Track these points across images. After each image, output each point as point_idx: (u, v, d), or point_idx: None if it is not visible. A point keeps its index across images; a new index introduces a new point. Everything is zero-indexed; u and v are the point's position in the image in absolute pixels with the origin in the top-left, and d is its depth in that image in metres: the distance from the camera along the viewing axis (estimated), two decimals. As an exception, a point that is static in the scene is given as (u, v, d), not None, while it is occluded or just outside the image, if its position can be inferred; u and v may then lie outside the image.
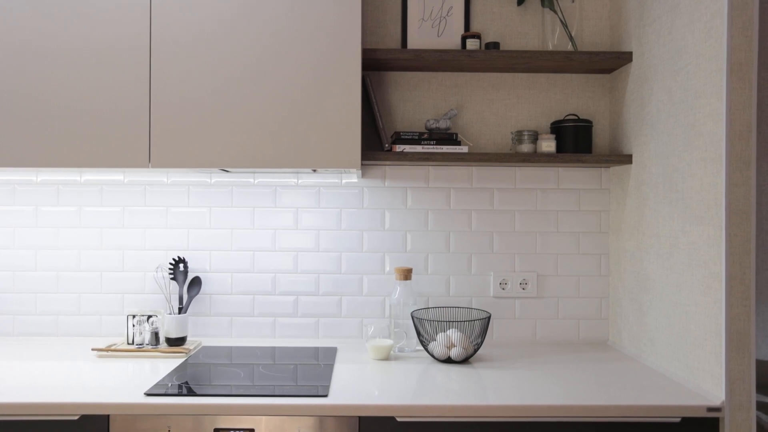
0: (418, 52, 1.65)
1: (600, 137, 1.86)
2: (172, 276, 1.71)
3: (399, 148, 1.64)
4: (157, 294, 1.79)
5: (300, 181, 1.80)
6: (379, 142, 1.75)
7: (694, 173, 1.34)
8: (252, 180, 1.80)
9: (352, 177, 1.80)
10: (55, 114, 1.43)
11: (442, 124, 1.70)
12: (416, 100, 1.84)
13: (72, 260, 1.78)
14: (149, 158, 1.43)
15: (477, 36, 1.73)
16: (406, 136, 1.66)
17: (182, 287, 1.70)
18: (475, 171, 1.83)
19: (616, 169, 1.80)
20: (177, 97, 1.45)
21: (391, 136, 1.70)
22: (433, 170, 1.83)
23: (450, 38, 1.81)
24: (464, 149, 1.65)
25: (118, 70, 1.44)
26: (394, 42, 1.85)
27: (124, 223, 1.79)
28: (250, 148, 1.45)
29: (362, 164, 1.71)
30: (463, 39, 1.73)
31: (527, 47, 1.85)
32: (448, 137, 1.66)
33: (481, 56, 1.67)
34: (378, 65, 1.76)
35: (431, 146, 1.65)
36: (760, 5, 1.27)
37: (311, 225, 1.81)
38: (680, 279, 1.40)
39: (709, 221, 1.27)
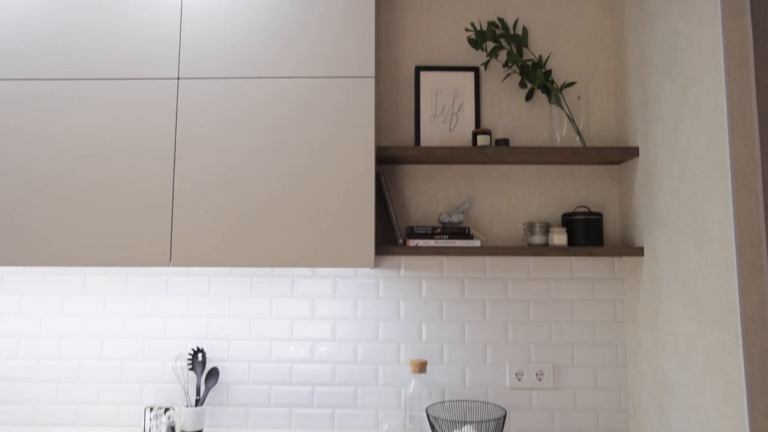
0: (431, 149, 1.72)
1: (611, 227, 1.87)
2: (190, 367, 1.72)
3: (413, 242, 1.67)
4: (175, 384, 1.80)
5: (317, 271, 1.83)
6: (393, 236, 1.78)
7: (706, 276, 1.34)
8: (270, 270, 1.84)
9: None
10: (81, 212, 1.51)
11: (455, 218, 1.74)
12: (430, 192, 1.89)
13: (94, 349, 1.81)
14: (170, 257, 1.49)
15: (487, 132, 1.79)
16: (420, 231, 1.69)
17: (200, 378, 1.71)
18: (489, 261, 1.85)
19: (629, 259, 1.80)
20: (198, 198, 1.51)
21: (405, 230, 1.74)
22: (447, 261, 1.85)
23: (461, 133, 1.88)
24: (477, 243, 1.67)
25: (143, 171, 1.52)
26: (408, 137, 1.92)
27: (146, 312, 1.82)
28: (266, 247, 1.49)
29: (377, 258, 1.74)
30: (474, 135, 1.80)
31: (536, 140, 1.90)
32: (461, 231, 1.69)
33: (491, 152, 1.72)
34: (392, 160, 1.82)
35: (444, 240, 1.68)
36: (760, 115, 1.31)
37: (327, 314, 1.82)
38: (699, 382, 1.37)
39: (725, 327, 1.26)
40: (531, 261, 1.85)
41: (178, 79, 1.54)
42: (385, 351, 1.81)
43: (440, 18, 1.95)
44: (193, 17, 1.56)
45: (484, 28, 1.88)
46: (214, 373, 1.75)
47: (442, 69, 1.90)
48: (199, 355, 1.74)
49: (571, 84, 1.83)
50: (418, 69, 1.91)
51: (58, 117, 1.53)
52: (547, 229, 1.76)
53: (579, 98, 1.86)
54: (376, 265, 1.83)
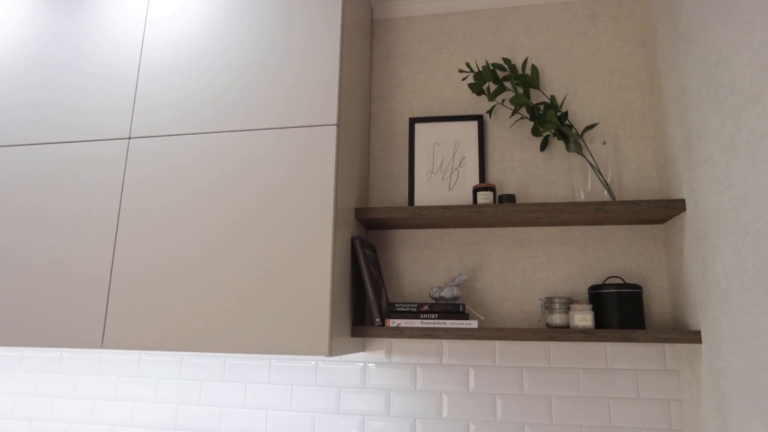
0: (419, 210, 1.44)
1: (657, 303, 1.44)
2: (148, 463, 1.49)
3: (393, 322, 1.37)
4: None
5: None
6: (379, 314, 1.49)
7: (784, 383, 0.91)
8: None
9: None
10: (15, 288, 1.39)
11: (447, 293, 1.41)
12: (426, 261, 1.59)
13: (63, 435, 1.65)
14: (102, 339, 1.30)
15: (490, 188, 1.49)
16: (402, 309, 1.38)
17: (158, 477, 1.47)
18: (499, 345, 1.48)
19: (685, 345, 1.35)
20: (136, 277, 1.33)
21: (388, 307, 1.45)
22: (447, 344, 1.51)
23: (463, 191, 1.59)
24: (473, 324, 1.33)
25: (81, 247, 1.38)
26: (401, 197, 1.66)
27: (116, 395, 1.65)
28: (207, 330, 1.25)
29: (355, 341, 1.45)
30: (475, 192, 1.50)
31: (555, 197, 1.56)
32: (453, 309, 1.36)
33: (491, 211, 1.41)
34: (379, 224, 1.56)
35: (432, 321, 1.36)
36: None
37: (307, 406, 1.52)
38: None
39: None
40: (552, 345, 1.46)
41: (129, 138, 1.43)
42: (371, 455, 1.47)
43: (440, 66, 1.73)
44: (149, 72, 1.47)
45: (488, 71, 1.62)
46: (173, 473, 1.51)
47: (440, 119, 1.65)
48: (161, 449, 1.51)
49: (592, 126, 1.50)
50: (413, 121, 1.67)
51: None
52: (569, 305, 1.38)
53: (605, 143, 1.52)
54: (364, 347, 1.54)
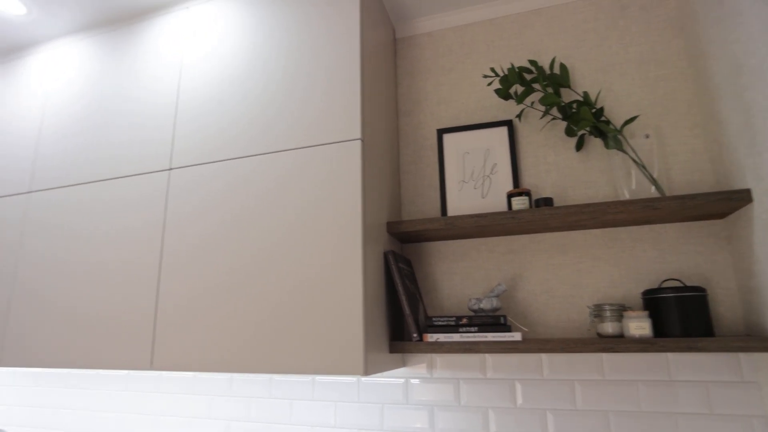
0: (451, 220, 1.24)
1: (725, 306, 1.15)
2: (203, 482, 1.36)
3: (432, 337, 1.17)
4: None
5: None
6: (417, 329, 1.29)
7: None
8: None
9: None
10: (78, 322, 1.30)
11: (486, 305, 1.20)
12: (464, 273, 1.38)
13: (131, 450, 1.56)
14: (151, 361, 1.19)
15: (525, 193, 1.26)
16: (440, 323, 1.18)
17: (212, 496, 1.34)
18: (546, 356, 1.24)
19: (764, 354, 1.06)
20: (179, 304, 1.20)
21: (425, 321, 1.25)
22: (490, 356, 1.29)
23: (496, 198, 1.37)
24: (516, 336, 1.10)
25: (131, 285, 1.28)
26: (434, 209, 1.47)
27: (174, 412, 1.54)
28: (245, 351, 1.10)
29: (396, 356, 1.26)
30: (509, 198, 1.28)
31: (596, 198, 1.31)
32: (494, 321, 1.15)
33: (528, 216, 1.19)
34: (412, 237, 1.37)
35: (472, 334, 1.14)
36: None
37: (350, 423, 1.34)
38: None
39: None
40: (606, 356, 1.20)
41: (170, 169, 1.34)
42: (418, 475, 1.26)
43: (464, 76, 1.53)
44: (185, 111, 1.37)
45: (514, 73, 1.40)
46: (226, 491, 1.37)
47: (468, 128, 1.45)
48: (215, 467, 1.38)
49: (632, 120, 1.24)
50: (441, 132, 1.48)
51: (59, 243, 1.42)
52: (621, 313, 1.13)
53: (648, 137, 1.26)
54: (405, 363, 1.34)
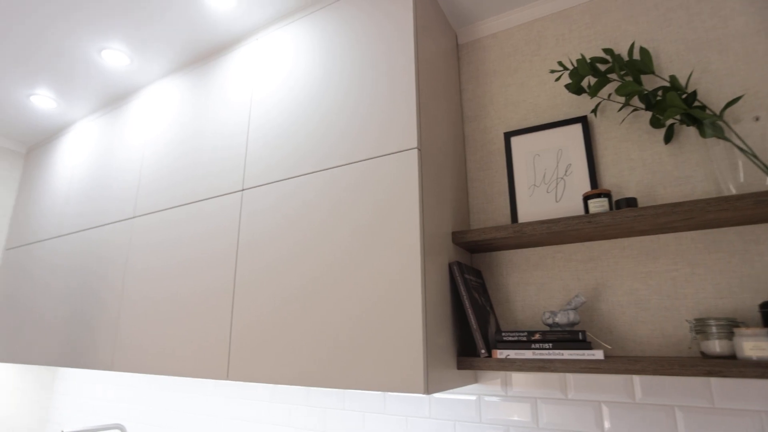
0: (519, 227, 1.16)
1: None
2: (284, 487, 1.41)
3: (501, 353, 1.09)
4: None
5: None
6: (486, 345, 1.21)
7: None
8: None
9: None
10: (170, 334, 1.43)
11: (562, 319, 1.08)
12: (539, 283, 1.27)
13: (225, 452, 1.67)
14: (227, 372, 1.26)
15: (604, 194, 1.13)
16: (510, 338, 1.09)
17: (293, 502, 1.38)
18: (638, 377, 1.08)
19: None
20: (251, 324, 1.26)
21: (495, 336, 1.16)
22: (572, 376, 1.16)
23: (572, 201, 1.25)
24: (597, 354, 0.98)
25: (211, 299, 1.38)
26: (504, 216, 1.38)
27: (258, 419, 1.62)
28: (310, 365, 1.12)
29: (466, 373, 1.19)
30: (585, 200, 1.16)
31: (693, 194, 1.13)
32: (571, 337, 1.03)
33: (607, 220, 1.06)
34: (483, 247, 1.30)
35: (546, 351, 1.04)
36: None
37: (423, 439, 1.30)
38: None
39: None
40: (714, 380, 1.01)
41: (243, 190, 1.42)
42: (495, 501, 1.17)
43: (531, 75, 1.44)
44: (255, 135, 1.46)
45: (585, 64, 1.27)
46: (305, 499, 1.39)
47: (537, 129, 1.35)
48: (295, 474, 1.42)
49: (735, 101, 1.06)
50: (508, 135, 1.40)
51: (166, 236, 1.58)
52: (731, 329, 0.95)
53: (758, 119, 1.06)
54: (477, 379, 1.27)
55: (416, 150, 1.12)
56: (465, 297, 1.15)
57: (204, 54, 1.74)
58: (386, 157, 1.16)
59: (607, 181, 1.24)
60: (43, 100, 2.07)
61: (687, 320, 1.04)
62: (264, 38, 1.56)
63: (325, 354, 1.11)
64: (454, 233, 1.25)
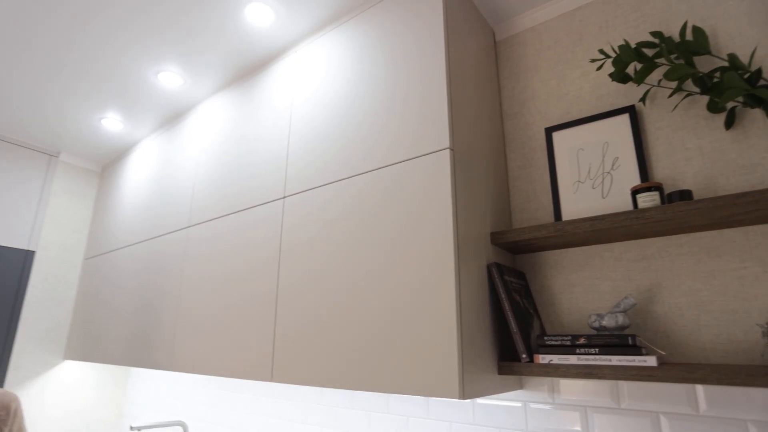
0: (561, 225, 1.10)
1: None
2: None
3: (544, 358, 1.03)
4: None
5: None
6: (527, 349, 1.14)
7: None
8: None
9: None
10: (219, 336, 1.50)
11: (609, 322, 1.01)
12: (586, 285, 1.19)
13: (276, 452, 1.72)
14: (272, 374, 1.29)
15: (654, 187, 1.05)
16: (553, 342, 1.03)
17: (339, 504, 1.38)
18: (703, 387, 0.98)
19: None
20: (293, 328, 1.29)
21: (536, 340, 1.10)
22: (625, 383, 1.07)
23: (621, 197, 1.17)
24: (649, 361, 0.90)
25: (256, 303, 1.42)
26: (547, 215, 1.31)
27: (305, 419, 1.65)
28: (346, 368, 1.12)
29: (510, 379, 1.13)
30: (633, 194, 1.08)
31: (763, 183, 1.01)
32: (619, 342, 0.96)
33: (657, 215, 0.98)
34: (525, 247, 1.25)
35: (592, 356, 0.97)
36: None
37: (467, 446, 1.26)
38: None
39: None
40: (793, 392, 0.89)
41: (284, 197, 1.46)
42: None
43: (573, 66, 1.36)
44: (295, 143, 1.50)
45: (628, 50, 1.18)
46: (351, 502, 1.40)
47: (580, 122, 1.28)
48: (341, 477, 1.43)
49: (809, 81, 0.94)
50: (549, 130, 1.33)
51: (213, 245, 1.65)
52: (810, 334, 0.83)
53: (836, 98, 0.93)
54: (523, 385, 1.21)
55: (449, 150, 1.10)
56: (504, 299, 1.10)
57: (248, 70, 1.83)
58: (420, 159, 1.15)
59: (660, 173, 1.14)
60: (112, 123, 2.27)
61: (758, 324, 0.93)
62: (301, 50, 1.61)
63: (361, 357, 1.11)
64: (492, 234, 1.21)
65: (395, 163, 1.20)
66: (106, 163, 2.78)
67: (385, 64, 1.32)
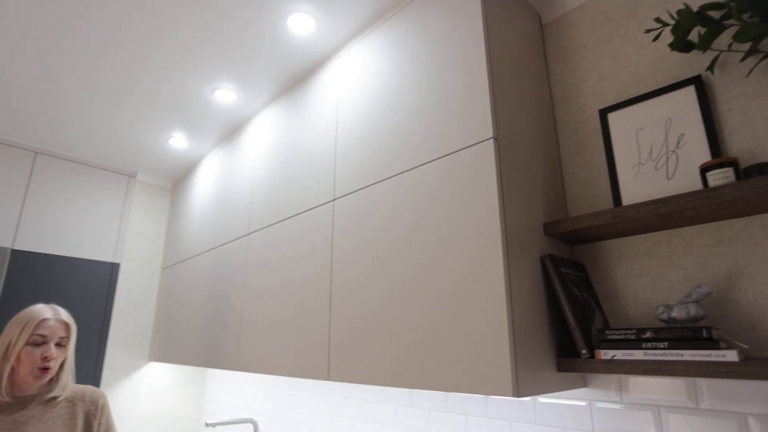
0: (619, 211, 1.02)
1: None
2: (393, 488, 1.43)
3: (606, 354, 0.96)
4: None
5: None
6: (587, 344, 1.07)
7: None
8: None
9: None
10: (279, 337, 1.55)
11: (680, 313, 0.92)
12: (653, 274, 1.10)
13: (340, 450, 1.76)
14: (328, 373, 1.32)
15: (728, 163, 0.95)
16: (615, 336, 0.96)
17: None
18: (796, 385, 0.87)
19: None
20: (347, 328, 1.32)
21: (597, 335, 1.03)
22: (706, 381, 0.97)
23: (689, 177, 1.06)
24: (729, 356, 0.81)
25: (311, 305, 1.46)
26: (606, 201, 1.23)
27: (364, 417, 1.67)
28: (399, 367, 1.12)
29: (573, 376, 1.07)
30: (702, 172, 0.98)
31: None
32: (692, 335, 0.87)
33: (731, 194, 0.88)
34: (583, 237, 1.18)
35: (661, 351, 0.89)
36: None
37: (530, 448, 1.21)
38: None
39: None
40: None
41: (334, 200, 1.49)
42: None
43: (628, 40, 1.27)
44: (342, 146, 1.53)
45: (689, 14, 1.07)
46: (413, 501, 1.39)
47: (637, 100, 1.18)
48: (402, 476, 1.43)
49: None
50: (603, 112, 1.25)
51: (269, 251, 1.72)
52: None
53: None
54: (587, 383, 1.14)
55: (492, 140, 1.07)
56: (560, 292, 1.05)
57: (295, 79, 1.90)
58: (464, 151, 1.13)
59: (735, 147, 1.03)
60: (178, 141, 2.46)
61: None
62: (343, 55, 1.65)
63: (413, 355, 1.11)
64: (546, 224, 1.16)
65: (440, 158, 1.19)
66: (176, 179, 3.02)
67: (425, 59, 1.31)
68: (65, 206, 2.64)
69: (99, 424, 1.19)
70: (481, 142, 1.10)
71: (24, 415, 1.08)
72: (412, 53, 1.36)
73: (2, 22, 1.60)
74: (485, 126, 1.10)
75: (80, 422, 1.16)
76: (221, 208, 2.24)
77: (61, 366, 1.18)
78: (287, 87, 1.96)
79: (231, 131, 2.36)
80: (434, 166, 1.19)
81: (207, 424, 2.00)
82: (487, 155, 1.07)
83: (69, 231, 2.63)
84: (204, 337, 2.10)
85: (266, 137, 2.01)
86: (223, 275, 2.06)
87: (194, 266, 2.38)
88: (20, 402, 1.11)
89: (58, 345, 1.14)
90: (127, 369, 2.67)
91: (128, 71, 1.86)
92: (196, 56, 1.77)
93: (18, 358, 1.09)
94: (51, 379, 1.17)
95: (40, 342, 1.11)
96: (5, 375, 1.07)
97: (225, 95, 2.01)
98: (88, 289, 2.62)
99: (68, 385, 1.20)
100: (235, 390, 2.54)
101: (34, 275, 2.47)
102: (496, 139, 1.08)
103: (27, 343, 1.09)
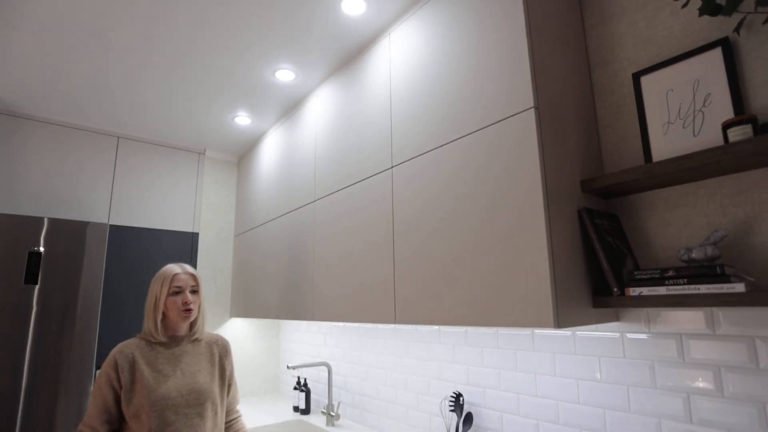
0: (648, 168, 1.18)
1: None
2: (452, 408, 1.70)
3: (634, 291, 1.15)
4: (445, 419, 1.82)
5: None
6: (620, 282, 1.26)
7: None
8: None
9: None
10: (349, 288, 1.82)
11: (699, 254, 1.08)
12: (680, 222, 1.25)
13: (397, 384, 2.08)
14: (395, 317, 1.59)
15: (748, 120, 1.07)
16: (643, 276, 1.14)
17: (459, 419, 1.66)
18: (800, 310, 1.02)
19: None
20: (410, 277, 1.57)
21: (626, 275, 1.21)
22: (721, 312, 1.14)
23: (712, 134, 1.19)
24: (738, 287, 0.98)
25: (376, 260, 1.72)
26: (638, 158, 1.37)
27: (454, 359, 1.95)
28: (456, 309, 1.37)
29: (607, 311, 1.27)
30: (724, 129, 1.11)
31: None
32: (708, 272, 1.04)
33: (747, 148, 1.02)
34: (616, 192, 1.34)
35: (681, 287, 1.07)
36: None
37: (568, 372, 1.43)
38: None
39: None
40: None
41: (392, 167, 1.71)
42: (640, 425, 1.24)
43: (664, 4, 1.36)
44: (397, 118, 1.73)
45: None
46: (469, 418, 1.66)
47: (667, 63, 1.29)
48: (460, 399, 1.70)
49: None
50: (636, 76, 1.37)
51: (336, 216, 1.98)
52: None
53: None
54: (620, 317, 1.34)
55: (533, 109, 1.25)
56: (595, 240, 1.24)
57: (349, 57, 2.10)
58: (508, 120, 1.31)
59: (758, 104, 1.15)
60: (242, 119, 2.74)
61: None
62: (393, 33, 1.82)
63: (469, 299, 1.35)
64: (582, 182, 1.33)
65: (487, 126, 1.37)
66: (242, 154, 3.34)
67: (470, 33, 1.47)
68: (148, 184, 3.03)
69: (228, 363, 1.54)
70: (523, 111, 1.27)
71: (179, 350, 1.45)
72: (457, 28, 1.52)
73: (102, 29, 1.89)
74: (526, 96, 1.27)
75: (216, 360, 1.53)
76: (287, 179, 2.53)
77: (199, 311, 1.52)
78: (341, 65, 2.16)
79: (290, 107, 2.61)
80: (483, 133, 1.38)
81: (288, 367, 2.37)
82: (528, 123, 1.25)
83: (153, 206, 3.03)
84: (279, 292, 2.44)
85: (325, 111, 2.24)
86: (294, 237, 2.37)
87: (266, 232, 2.72)
88: (175, 340, 1.48)
89: (192, 291, 1.48)
90: (213, 324, 3.11)
91: (206, 62, 2.13)
92: (263, 44, 2.00)
93: (166, 307, 1.43)
94: (193, 323, 1.52)
95: (178, 291, 1.45)
96: (158, 320, 1.43)
97: (285, 75, 2.24)
98: (174, 256, 3.04)
99: (204, 330, 1.55)
100: (308, 339, 2.93)
101: (128, 246, 2.90)
102: (536, 108, 1.25)
103: (169, 294, 1.43)
